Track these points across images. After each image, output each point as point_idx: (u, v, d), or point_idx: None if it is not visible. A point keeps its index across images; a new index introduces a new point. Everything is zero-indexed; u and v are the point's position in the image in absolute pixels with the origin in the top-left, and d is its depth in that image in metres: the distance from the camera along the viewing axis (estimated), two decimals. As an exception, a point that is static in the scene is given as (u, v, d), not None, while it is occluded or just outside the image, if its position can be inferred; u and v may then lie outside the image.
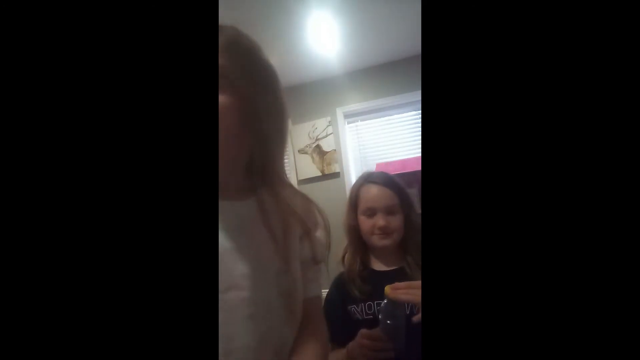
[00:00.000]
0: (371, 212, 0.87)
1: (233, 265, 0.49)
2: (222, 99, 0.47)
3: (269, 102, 0.52)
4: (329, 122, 2.82)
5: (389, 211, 0.86)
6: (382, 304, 0.70)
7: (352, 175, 2.78)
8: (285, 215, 0.54)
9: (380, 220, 0.85)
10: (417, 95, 2.59)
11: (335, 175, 2.79)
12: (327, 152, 2.81)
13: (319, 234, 0.58)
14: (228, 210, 0.51)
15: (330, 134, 2.81)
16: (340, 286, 0.89)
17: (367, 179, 0.93)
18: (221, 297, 0.46)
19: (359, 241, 0.90)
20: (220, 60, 0.47)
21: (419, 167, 1.98)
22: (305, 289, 0.56)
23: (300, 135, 2.88)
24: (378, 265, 0.89)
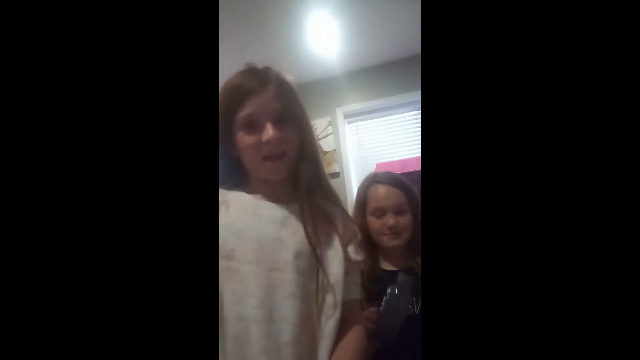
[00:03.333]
0: (380, 212, 0.87)
1: (277, 251, 0.57)
2: (291, 133, 0.61)
3: (310, 126, 0.66)
4: (329, 122, 2.81)
5: (398, 210, 0.86)
6: (389, 287, 0.73)
7: (352, 175, 2.77)
8: (321, 221, 0.62)
9: (390, 220, 0.85)
10: (417, 95, 2.59)
11: (335, 175, 2.78)
12: (327, 152, 2.81)
13: (359, 242, 0.68)
14: (277, 209, 0.62)
15: (330, 134, 2.80)
16: None
17: (374, 179, 0.92)
18: (266, 274, 0.55)
19: (367, 242, 0.89)
20: (278, 104, 0.60)
21: (419, 167, 1.97)
22: (348, 291, 0.62)
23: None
24: (387, 265, 0.89)
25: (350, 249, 0.64)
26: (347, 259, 0.62)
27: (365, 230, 0.90)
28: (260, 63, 0.67)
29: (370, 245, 0.90)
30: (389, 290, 0.72)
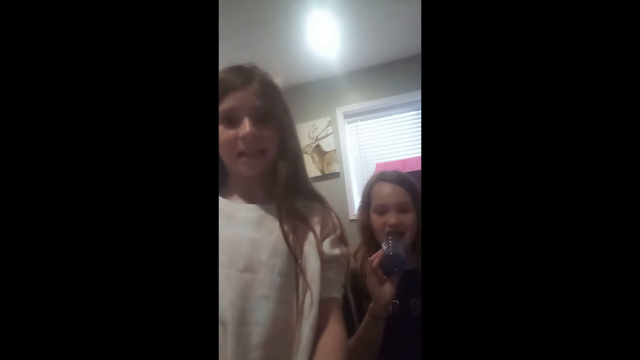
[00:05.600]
0: (383, 210, 0.86)
1: (250, 252, 0.57)
2: (271, 132, 0.61)
3: (292, 128, 0.66)
4: (329, 122, 2.81)
5: (400, 209, 0.85)
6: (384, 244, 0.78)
7: (352, 175, 2.77)
8: (300, 220, 0.62)
9: (391, 218, 0.84)
10: (417, 95, 2.59)
11: (335, 175, 2.79)
12: (327, 152, 2.81)
13: (337, 237, 0.65)
14: (252, 210, 0.62)
15: (330, 134, 2.81)
16: (354, 283, 0.87)
17: (380, 177, 0.92)
18: (239, 275, 0.55)
19: (371, 239, 0.89)
20: (260, 101, 0.60)
21: (419, 167, 1.97)
22: (325, 289, 0.60)
23: (300, 135, 2.85)
24: None
25: (326, 244, 0.62)
26: (321, 253, 0.60)
27: (369, 227, 0.89)
28: (259, 63, 0.66)
29: (374, 243, 0.89)
30: (384, 241, 0.79)
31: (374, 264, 0.73)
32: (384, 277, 0.74)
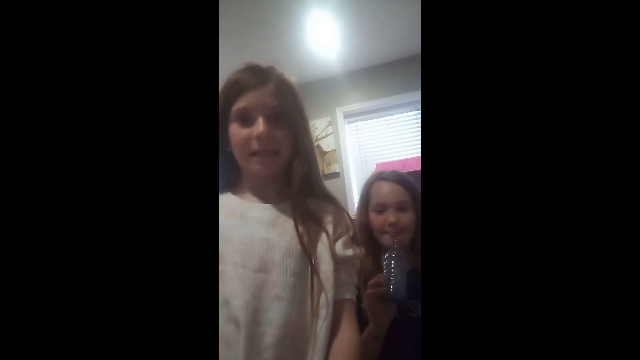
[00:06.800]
0: (382, 208, 0.86)
1: (264, 252, 0.57)
2: (285, 133, 0.61)
3: (307, 129, 0.65)
4: (329, 122, 2.81)
5: (399, 207, 0.85)
6: (386, 256, 0.73)
7: (352, 175, 2.77)
8: (313, 220, 0.62)
9: (390, 217, 0.84)
10: (417, 95, 2.59)
11: (335, 175, 2.79)
12: (327, 152, 2.81)
13: (350, 238, 0.64)
14: (265, 210, 0.62)
15: (330, 134, 2.81)
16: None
17: (378, 176, 0.92)
18: (253, 275, 0.55)
19: (370, 239, 0.89)
20: (275, 102, 0.60)
21: (419, 167, 1.97)
22: (338, 290, 0.60)
23: (300, 135, 2.86)
24: None
25: (338, 244, 0.62)
26: (334, 254, 0.60)
27: (367, 227, 0.89)
28: (260, 63, 0.66)
29: (373, 243, 0.88)
30: (385, 255, 0.73)
31: (373, 294, 0.69)
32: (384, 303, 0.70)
